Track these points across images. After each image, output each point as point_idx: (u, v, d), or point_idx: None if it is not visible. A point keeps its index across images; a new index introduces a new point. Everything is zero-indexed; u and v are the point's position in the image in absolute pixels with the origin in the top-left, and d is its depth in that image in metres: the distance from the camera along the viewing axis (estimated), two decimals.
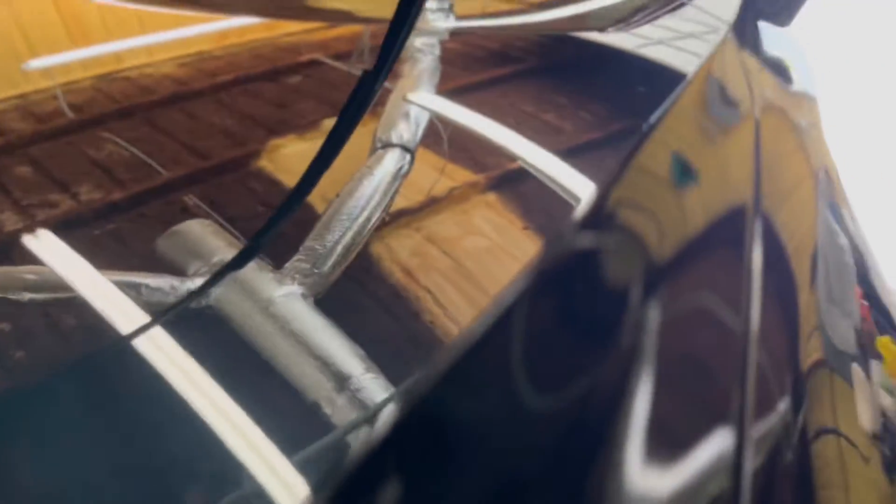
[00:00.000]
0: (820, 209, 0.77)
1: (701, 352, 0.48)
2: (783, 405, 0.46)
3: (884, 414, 0.54)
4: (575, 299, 0.46)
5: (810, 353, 0.53)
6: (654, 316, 0.45)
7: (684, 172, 0.62)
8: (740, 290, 0.50)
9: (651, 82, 0.80)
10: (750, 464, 0.39)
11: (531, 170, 0.62)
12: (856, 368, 0.56)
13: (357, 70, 0.81)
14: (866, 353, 0.60)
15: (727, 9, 0.88)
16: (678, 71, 0.83)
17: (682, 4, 0.87)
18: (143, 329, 0.40)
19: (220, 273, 0.46)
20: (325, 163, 0.57)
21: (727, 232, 0.57)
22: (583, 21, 0.91)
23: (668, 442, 0.40)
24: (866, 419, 0.52)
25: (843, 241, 0.74)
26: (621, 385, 0.40)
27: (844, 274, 0.70)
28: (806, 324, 0.56)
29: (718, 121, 0.76)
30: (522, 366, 0.38)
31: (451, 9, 0.88)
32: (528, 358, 0.39)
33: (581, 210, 0.53)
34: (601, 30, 0.88)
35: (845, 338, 0.59)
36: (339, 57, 0.86)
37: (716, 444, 0.40)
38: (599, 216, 0.52)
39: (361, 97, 0.57)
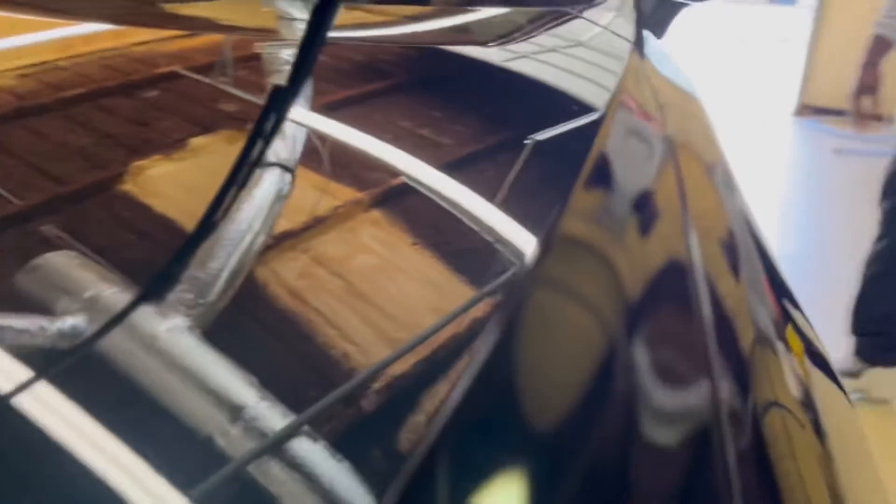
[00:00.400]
0: (725, 202, 0.83)
1: (668, 339, 0.52)
2: (738, 386, 0.50)
3: (802, 381, 0.60)
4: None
5: (747, 333, 0.58)
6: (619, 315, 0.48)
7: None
8: (688, 284, 0.55)
9: (519, 95, 0.83)
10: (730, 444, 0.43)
11: (415, 185, 0.62)
12: (779, 344, 0.61)
13: (222, 84, 0.78)
14: (782, 334, 0.66)
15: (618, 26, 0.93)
16: (545, 83, 0.87)
17: (571, 18, 0.91)
18: (27, 384, 0.36)
19: (126, 312, 0.43)
20: (236, 185, 0.54)
21: (669, 233, 0.62)
22: (464, 35, 0.92)
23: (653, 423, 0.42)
24: (794, 388, 0.57)
25: (748, 230, 0.80)
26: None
27: (754, 262, 0.75)
28: (739, 308, 0.61)
29: (639, 134, 0.80)
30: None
31: None
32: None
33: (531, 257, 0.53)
34: (483, 44, 0.90)
35: (766, 321, 0.65)
36: (199, 69, 0.82)
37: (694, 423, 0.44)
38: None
39: (276, 116, 0.55)
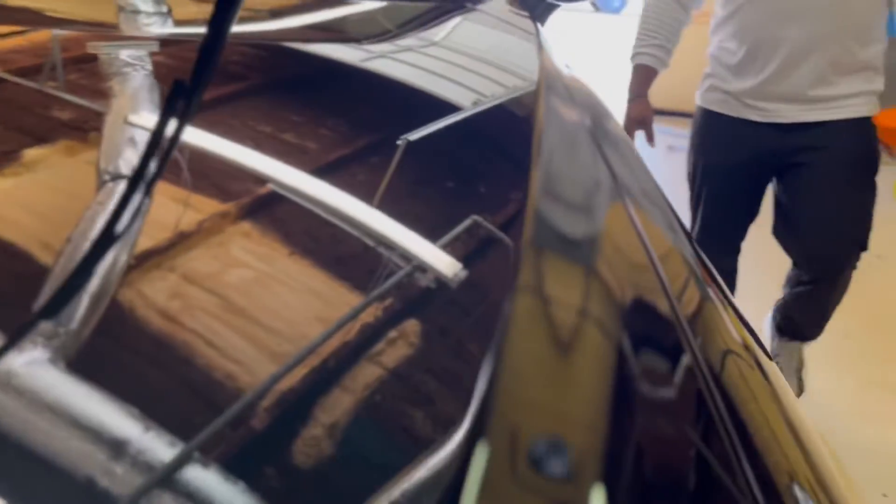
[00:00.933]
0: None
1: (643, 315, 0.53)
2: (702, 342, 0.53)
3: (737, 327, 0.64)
4: None
5: (693, 294, 0.61)
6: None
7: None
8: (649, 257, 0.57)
9: (381, 95, 0.82)
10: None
11: (286, 193, 0.59)
12: (714, 296, 0.64)
13: (52, 89, 0.71)
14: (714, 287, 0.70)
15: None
16: (403, 83, 0.87)
17: (452, 16, 0.91)
18: None
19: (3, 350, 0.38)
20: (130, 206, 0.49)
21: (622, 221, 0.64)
22: (336, 32, 0.90)
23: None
24: (735, 334, 0.60)
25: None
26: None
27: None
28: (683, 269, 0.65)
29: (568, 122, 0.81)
30: None
31: (169, 13, 0.81)
32: None
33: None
34: (358, 42, 0.87)
35: (701, 277, 0.69)
36: (23, 73, 0.74)
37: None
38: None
39: (179, 119, 0.50)
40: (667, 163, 4.75)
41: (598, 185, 0.68)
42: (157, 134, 0.47)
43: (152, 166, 0.48)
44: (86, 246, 0.48)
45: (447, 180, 0.67)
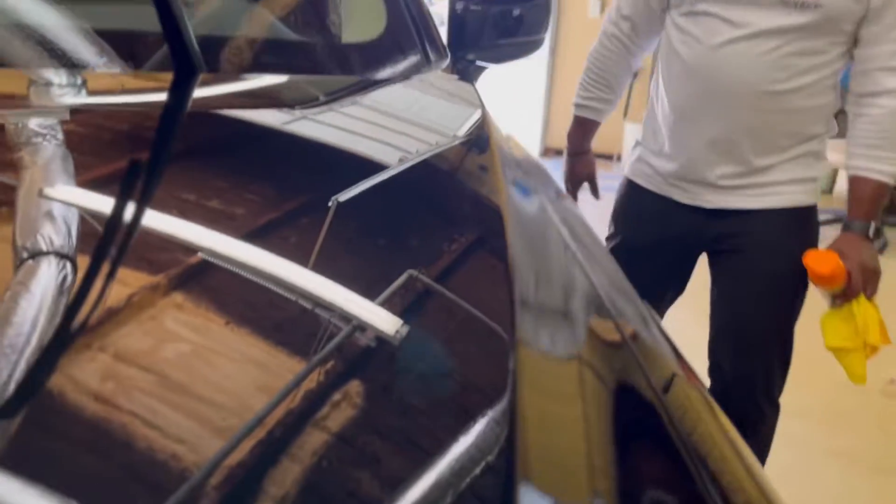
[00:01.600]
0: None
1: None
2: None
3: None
4: None
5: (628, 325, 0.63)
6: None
7: None
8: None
9: (304, 156, 0.82)
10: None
11: (218, 261, 0.58)
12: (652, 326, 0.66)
13: None
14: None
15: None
16: (327, 143, 0.87)
17: (391, 82, 0.93)
18: None
19: None
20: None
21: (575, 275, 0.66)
22: (266, 98, 0.89)
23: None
24: (672, 360, 0.62)
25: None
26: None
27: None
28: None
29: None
30: None
31: (84, 84, 0.79)
32: None
33: None
34: (290, 107, 0.88)
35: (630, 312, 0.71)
36: None
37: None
38: None
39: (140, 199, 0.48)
40: (586, 203, 4.94)
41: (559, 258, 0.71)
42: (116, 217, 0.46)
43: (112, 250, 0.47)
44: (11, 332, 0.46)
45: (380, 237, 0.67)
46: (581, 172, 1.72)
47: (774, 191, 1.45)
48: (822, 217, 4.04)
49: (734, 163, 1.44)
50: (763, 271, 1.48)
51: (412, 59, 1.00)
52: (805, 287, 1.50)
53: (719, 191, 1.47)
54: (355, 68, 0.96)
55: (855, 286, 1.32)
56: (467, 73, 1.14)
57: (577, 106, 1.68)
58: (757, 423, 1.59)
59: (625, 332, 0.63)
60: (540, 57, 5.69)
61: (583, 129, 1.70)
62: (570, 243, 0.76)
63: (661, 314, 1.70)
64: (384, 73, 0.97)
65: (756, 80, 1.35)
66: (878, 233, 3.92)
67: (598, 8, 5.13)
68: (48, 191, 0.63)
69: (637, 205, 1.61)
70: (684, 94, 1.45)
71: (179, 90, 0.76)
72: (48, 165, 0.68)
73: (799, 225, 1.49)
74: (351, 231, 0.67)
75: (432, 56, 1.02)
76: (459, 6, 1.08)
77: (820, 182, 1.53)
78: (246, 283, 0.57)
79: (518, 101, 6.13)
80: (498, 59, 1.17)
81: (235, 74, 0.82)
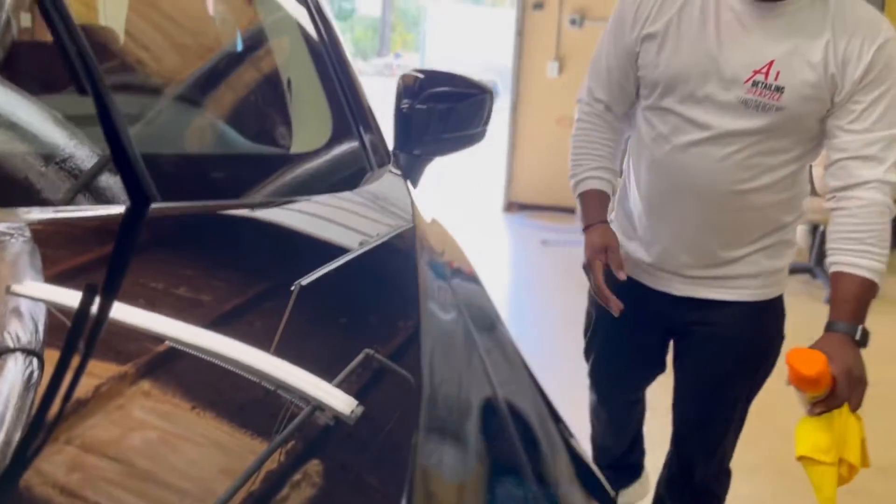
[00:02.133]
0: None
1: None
2: None
3: None
4: None
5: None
6: None
7: None
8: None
9: (267, 243, 0.85)
10: None
11: (183, 348, 0.60)
12: None
13: None
14: None
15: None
16: (285, 227, 0.91)
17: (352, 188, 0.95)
18: None
19: None
20: None
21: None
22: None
23: None
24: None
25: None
26: None
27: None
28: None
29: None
30: None
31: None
32: None
33: None
34: (251, 208, 0.91)
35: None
36: None
37: None
38: None
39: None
40: (542, 257, 4.97)
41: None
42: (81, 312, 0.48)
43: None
44: None
45: (339, 318, 0.70)
46: (600, 244, 1.44)
47: (741, 284, 1.39)
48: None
49: (703, 256, 1.40)
50: (724, 363, 1.43)
51: (356, 166, 1.05)
52: (764, 378, 1.47)
53: (687, 280, 1.42)
54: (302, 179, 1.01)
55: (840, 394, 1.16)
56: (413, 167, 1.19)
57: (581, 181, 1.47)
58: (713, 497, 1.57)
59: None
60: (502, 116, 5.83)
61: (593, 202, 1.46)
62: (472, 333, 0.80)
63: (643, 390, 1.67)
64: (328, 183, 1.01)
65: (721, 181, 1.30)
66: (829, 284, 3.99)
67: (556, 69, 5.32)
68: (15, 288, 0.65)
69: (611, 284, 1.46)
70: (652, 188, 1.41)
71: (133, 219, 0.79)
72: (14, 262, 0.69)
73: (764, 317, 1.42)
74: (311, 313, 0.70)
75: (374, 161, 1.07)
76: (405, 106, 1.14)
77: (787, 271, 1.45)
78: (211, 368, 0.59)
79: (481, 158, 6.24)
80: (442, 152, 1.23)
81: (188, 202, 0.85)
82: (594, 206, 1.44)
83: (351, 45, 31.03)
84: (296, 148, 1.08)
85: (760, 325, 1.39)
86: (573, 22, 5.20)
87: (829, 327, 1.23)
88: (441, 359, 0.69)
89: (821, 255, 4.20)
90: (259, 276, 0.77)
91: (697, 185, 1.31)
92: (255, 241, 0.86)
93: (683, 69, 1.26)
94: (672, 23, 1.27)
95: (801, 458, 1.15)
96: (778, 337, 1.45)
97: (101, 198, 0.82)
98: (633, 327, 1.47)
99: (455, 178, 7.04)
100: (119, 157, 0.79)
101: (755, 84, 1.22)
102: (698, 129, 1.27)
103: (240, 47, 1.27)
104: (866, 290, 1.22)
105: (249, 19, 1.36)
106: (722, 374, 1.43)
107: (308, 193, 0.95)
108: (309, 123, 1.10)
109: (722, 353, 1.39)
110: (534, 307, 3.73)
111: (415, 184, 1.19)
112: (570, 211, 4.59)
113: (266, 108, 1.17)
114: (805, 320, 4.13)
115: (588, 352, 1.64)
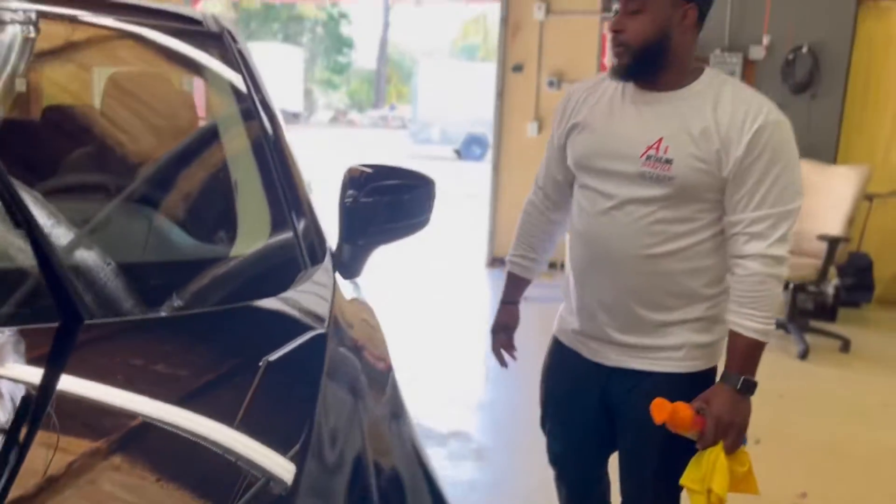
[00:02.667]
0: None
1: None
2: None
3: None
4: None
5: None
6: None
7: None
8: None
9: (243, 322, 0.94)
10: None
11: (154, 422, 0.68)
12: None
13: None
14: None
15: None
16: (263, 308, 0.99)
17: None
18: None
19: None
20: None
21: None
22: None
23: None
24: None
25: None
26: None
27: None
28: None
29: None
30: None
31: None
32: None
33: None
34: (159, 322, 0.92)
35: None
36: None
37: None
38: None
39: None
40: (523, 312, 5.04)
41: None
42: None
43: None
44: None
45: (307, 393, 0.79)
46: (501, 322, 1.73)
47: (668, 356, 1.48)
48: None
49: (626, 321, 1.50)
50: (655, 435, 1.45)
51: (289, 266, 1.07)
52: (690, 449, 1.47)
53: (618, 349, 1.51)
54: (235, 284, 1.04)
55: (707, 436, 1.34)
56: (358, 256, 1.23)
57: (508, 260, 1.73)
58: None
59: None
60: (485, 175, 5.98)
61: (512, 282, 1.73)
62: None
63: (600, 468, 1.73)
64: (258, 287, 1.02)
65: (630, 246, 1.45)
66: (803, 341, 4.06)
67: (536, 129, 5.50)
68: None
69: (557, 358, 1.65)
70: (578, 258, 1.55)
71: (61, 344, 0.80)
72: None
73: (694, 389, 1.44)
74: (276, 388, 0.79)
75: (308, 259, 1.11)
76: (349, 200, 1.16)
77: (719, 343, 1.51)
78: (178, 440, 0.67)
79: (465, 215, 6.39)
80: (387, 241, 1.25)
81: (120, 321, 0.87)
82: (509, 286, 1.72)
83: (347, 98, 31.50)
84: (235, 251, 1.10)
85: (688, 397, 1.42)
86: (551, 84, 5.41)
87: (722, 378, 1.40)
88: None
89: (794, 311, 4.35)
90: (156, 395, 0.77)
91: (611, 250, 1.46)
92: (158, 357, 0.86)
93: (596, 149, 1.47)
94: (589, 113, 1.49)
95: (682, 486, 1.38)
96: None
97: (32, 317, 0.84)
98: (576, 403, 1.59)
99: (446, 233, 7.22)
100: (49, 275, 0.82)
101: (649, 158, 1.40)
102: (607, 199, 1.45)
103: (184, 148, 1.31)
104: (750, 347, 1.38)
105: (191, 121, 1.42)
106: (653, 446, 1.50)
107: (240, 300, 0.97)
108: (248, 225, 1.14)
109: (649, 426, 1.40)
110: (510, 362, 3.83)
111: (358, 272, 1.25)
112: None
113: (208, 211, 1.21)
114: (779, 374, 4.24)
115: (543, 426, 1.74)
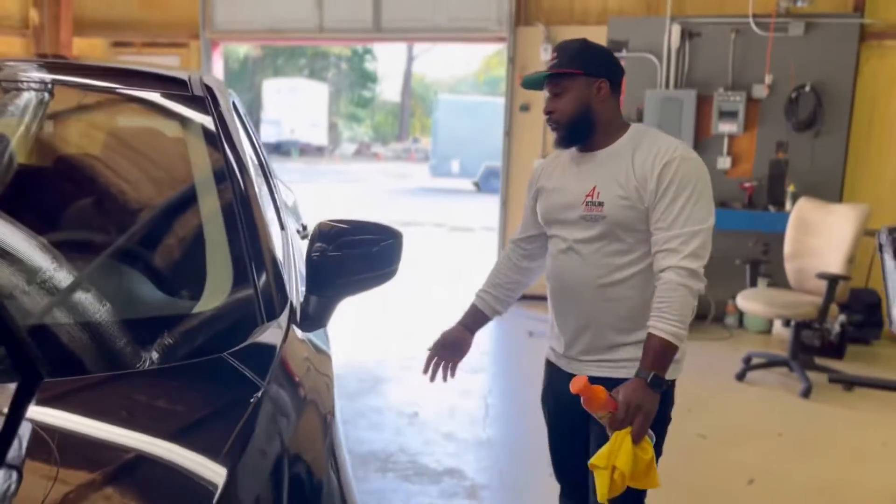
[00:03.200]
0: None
1: None
2: None
3: None
4: None
5: None
6: None
7: None
8: None
9: (182, 382, 1.00)
10: None
11: (146, 454, 0.78)
12: None
13: None
14: None
15: None
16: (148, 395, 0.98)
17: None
18: None
19: None
20: None
21: None
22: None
23: None
24: None
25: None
26: None
27: None
28: None
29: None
30: None
31: None
32: None
33: None
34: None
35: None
36: None
37: None
38: None
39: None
40: (526, 348, 5.09)
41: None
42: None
43: None
44: None
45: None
46: (448, 339, 1.90)
47: (622, 365, 1.73)
48: (755, 360, 4.26)
49: (591, 343, 1.77)
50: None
51: (244, 322, 1.12)
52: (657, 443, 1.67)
53: (582, 364, 1.78)
54: (189, 341, 1.08)
55: (618, 417, 1.53)
56: (324, 307, 1.30)
57: (475, 295, 1.97)
58: None
59: None
60: (494, 209, 6.05)
61: (471, 314, 1.94)
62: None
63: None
64: (210, 344, 1.06)
65: (583, 279, 1.75)
66: (805, 379, 4.04)
67: None
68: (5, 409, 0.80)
69: (547, 376, 1.92)
70: (551, 291, 1.85)
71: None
72: None
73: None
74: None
75: (265, 314, 1.16)
76: (316, 254, 1.21)
77: (680, 363, 1.72)
78: (169, 472, 0.76)
79: (470, 254, 6.45)
80: (355, 291, 1.30)
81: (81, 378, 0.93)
82: (469, 315, 1.95)
83: (371, 131, 31.97)
84: (199, 307, 1.14)
85: None
86: None
87: (635, 374, 1.60)
88: None
89: (796, 348, 4.34)
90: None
91: (572, 283, 1.77)
92: (94, 415, 0.89)
93: (553, 204, 1.81)
94: (548, 179, 1.84)
95: (590, 466, 1.54)
96: (660, 420, 1.69)
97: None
98: (562, 413, 1.84)
99: (455, 268, 7.34)
100: (6, 334, 0.88)
101: (587, 204, 1.72)
102: (563, 241, 1.78)
103: (159, 204, 1.37)
104: (662, 346, 1.60)
105: (159, 176, 1.49)
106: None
107: (193, 356, 1.03)
108: (214, 281, 1.19)
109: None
110: (515, 397, 3.87)
111: (323, 322, 1.32)
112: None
113: (179, 267, 1.28)
114: (779, 412, 4.22)
115: (549, 443, 1.99)
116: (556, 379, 1.83)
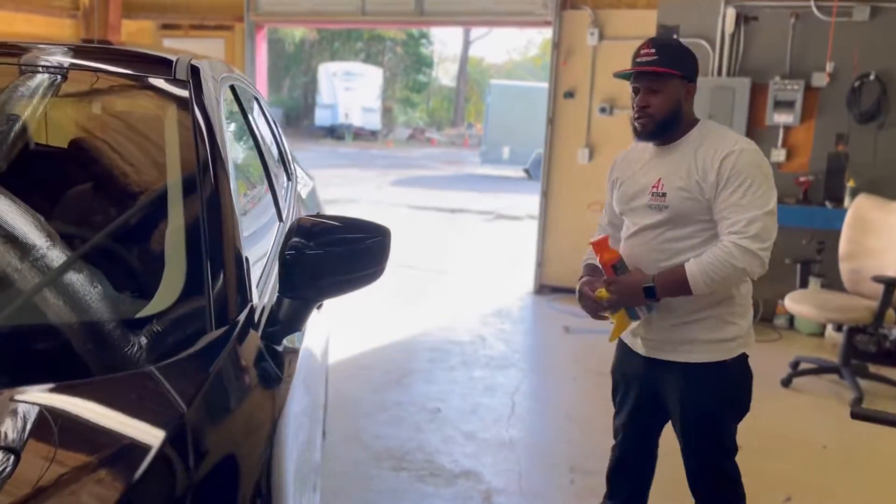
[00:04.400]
0: None
1: None
2: None
3: None
4: None
5: None
6: None
7: None
8: None
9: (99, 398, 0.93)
10: None
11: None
12: None
13: None
14: None
15: None
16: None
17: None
18: None
19: None
20: None
21: None
22: None
23: None
24: None
25: None
26: None
27: None
28: None
29: None
30: None
31: None
32: None
33: None
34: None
35: None
36: None
37: None
38: None
39: None
40: (562, 343, 4.93)
41: None
42: None
43: None
44: None
45: None
46: (588, 272, 2.08)
47: (685, 349, 1.92)
48: (804, 366, 4.02)
49: (656, 323, 1.94)
50: (679, 416, 1.96)
51: (191, 330, 1.03)
52: (732, 425, 1.99)
53: (647, 343, 1.98)
54: (135, 348, 0.97)
55: (618, 301, 1.89)
56: (300, 310, 1.20)
57: (584, 261, 2.14)
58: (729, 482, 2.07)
59: None
60: (534, 201, 5.89)
61: (589, 269, 2.09)
62: None
63: (656, 435, 2.14)
64: (156, 352, 0.96)
65: (647, 260, 1.92)
66: (857, 388, 3.78)
67: (587, 156, 5.38)
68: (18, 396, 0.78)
69: (619, 350, 2.13)
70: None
71: None
72: None
73: (710, 378, 1.91)
74: None
75: (215, 322, 1.05)
76: (290, 254, 1.11)
77: (738, 341, 1.91)
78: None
79: (514, 244, 6.29)
80: (335, 294, 1.21)
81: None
82: (588, 269, 2.12)
83: (426, 116, 31.86)
84: (145, 311, 1.04)
85: (706, 383, 1.91)
86: (603, 110, 5.31)
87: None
88: None
89: (848, 354, 4.08)
90: None
91: (636, 264, 1.94)
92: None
93: (627, 193, 2.00)
94: (622, 171, 2.05)
95: (611, 317, 1.97)
96: (724, 396, 1.94)
97: None
98: (630, 381, 2.07)
99: (497, 258, 7.19)
100: None
101: (653, 194, 1.92)
102: (633, 225, 1.98)
103: (117, 194, 1.29)
104: (678, 277, 1.82)
105: (125, 163, 1.40)
106: (681, 424, 1.97)
107: (119, 369, 0.92)
108: (168, 281, 1.09)
109: (676, 406, 1.95)
110: (544, 396, 3.74)
111: (296, 327, 1.22)
112: None
113: (136, 265, 1.18)
114: (826, 423, 3.97)
115: (613, 400, 2.18)
116: (624, 355, 2.05)
